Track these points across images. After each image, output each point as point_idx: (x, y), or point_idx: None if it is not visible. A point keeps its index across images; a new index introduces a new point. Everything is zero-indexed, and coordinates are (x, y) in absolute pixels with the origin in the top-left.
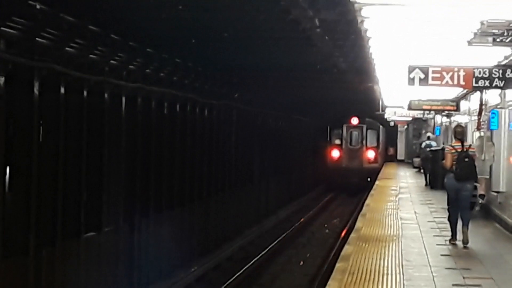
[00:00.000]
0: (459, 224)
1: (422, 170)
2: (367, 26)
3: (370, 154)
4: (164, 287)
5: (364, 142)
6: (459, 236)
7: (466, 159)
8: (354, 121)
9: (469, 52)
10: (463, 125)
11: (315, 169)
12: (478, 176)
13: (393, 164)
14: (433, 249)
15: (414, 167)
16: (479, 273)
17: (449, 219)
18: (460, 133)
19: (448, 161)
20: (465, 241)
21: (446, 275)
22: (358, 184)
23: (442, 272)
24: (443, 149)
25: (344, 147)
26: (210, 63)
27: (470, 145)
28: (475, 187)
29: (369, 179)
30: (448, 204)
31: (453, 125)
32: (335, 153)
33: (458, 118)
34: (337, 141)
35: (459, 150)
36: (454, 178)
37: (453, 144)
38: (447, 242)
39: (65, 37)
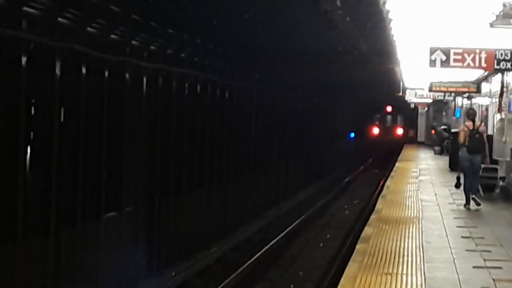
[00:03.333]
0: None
1: None
2: (389, 8)
3: (399, 130)
4: (183, 268)
5: (395, 122)
6: (472, 202)
7: (477, 135)
8: (389, 108)
9: (491, 34)
10: (474, 107)
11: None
12: (499, 159)
13: (413, 146)
14: (454, 231)
15: (435, 154)
16: (500, 255)
17: (457, 186)
18: (471, 114)
19: (461, 137)
20: (477, 203)
21: (466, 257)
22: (389, 151)
23: (463, 254)
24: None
25: (382, 125)
26: (230, 45)
27: (480, 124)
28: (496, 169)
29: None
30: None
31: (474, 107)
32: (376, 130)
33: (479, 100)
34: (377, 122)
35: (471, 128)
36: (467, 151)
37: (466, 124)
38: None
39: (86, 17)
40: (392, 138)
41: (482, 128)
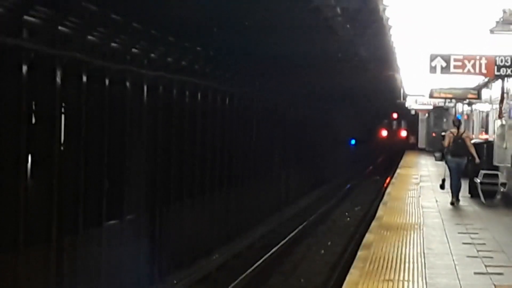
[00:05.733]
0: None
1: None
2: (389, 15)
3: (403, 133)
4: (185, 275)
5: (399, 126)
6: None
7: (459, 141)
8: (394, 115)
9: (491, 40)
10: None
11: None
12: (500, 165)
13: (413, 152)
14: (455, 237)
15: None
16: (501, 261)
17: (442, 187)
18: (457, 121)
19: (446, 142)
20: (457, 200)
21: (467, 263)
22: (395, 151)
23: (464, 260)
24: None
25: (389, 129)
26: (231, 52)
27: (464, 131)
28: (497, 176)
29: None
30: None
31: (475, 114)
32: (384, 133)
33: (480, 106)
34: (385, 125)
35: (455, 134)
36: (450, 154)
37: (451, 130)
38: (467, 230)
39: (87, 26)
40: (397, 139)
41: (465, 134)
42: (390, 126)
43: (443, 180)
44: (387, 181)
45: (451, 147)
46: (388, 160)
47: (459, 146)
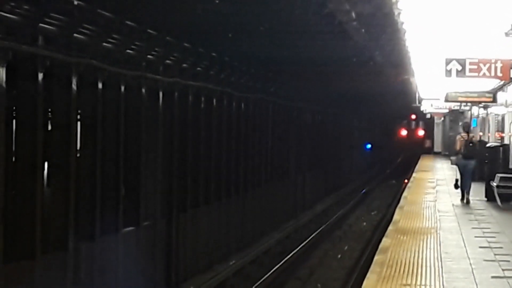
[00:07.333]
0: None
1: None
2: (404, 19)
3: (421, 132)
4: (202, 280)
5: (417, 126)
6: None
7: (471, 144)
8: (413, 116)
9: (506, 43)
10: (468, 121)
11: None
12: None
13: (429, 156)
14: (472, 241)
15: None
16: None
17: (456, 187)
18: (466, 126)
19: (457, 145)
20: (467, 201)
21: (485, 267)
22: (413, 150)
23: (481, 264)
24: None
25: (408, 128)
26: (246, 57)
27: (473, 135)
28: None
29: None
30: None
31: (490, 117)
32: (404, 132)
33: (495, 110)
34: (404, 126)
35: (466, 138)
36: (462, 157)
37: (461, 134)
38: (484, 234)
39: (102, 33)
40: (415, 138)
41: (475, 139)
42: (405, 130)
43: (457, 180)
44: (403, 185)
45: (462, 151)
46: (404, 164)
47: (470, 149)
